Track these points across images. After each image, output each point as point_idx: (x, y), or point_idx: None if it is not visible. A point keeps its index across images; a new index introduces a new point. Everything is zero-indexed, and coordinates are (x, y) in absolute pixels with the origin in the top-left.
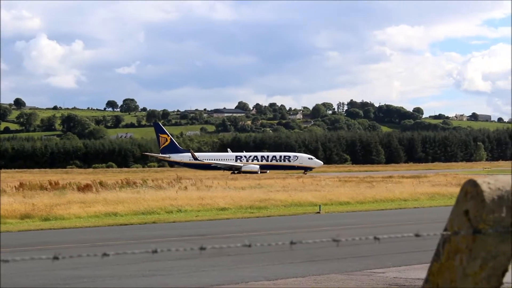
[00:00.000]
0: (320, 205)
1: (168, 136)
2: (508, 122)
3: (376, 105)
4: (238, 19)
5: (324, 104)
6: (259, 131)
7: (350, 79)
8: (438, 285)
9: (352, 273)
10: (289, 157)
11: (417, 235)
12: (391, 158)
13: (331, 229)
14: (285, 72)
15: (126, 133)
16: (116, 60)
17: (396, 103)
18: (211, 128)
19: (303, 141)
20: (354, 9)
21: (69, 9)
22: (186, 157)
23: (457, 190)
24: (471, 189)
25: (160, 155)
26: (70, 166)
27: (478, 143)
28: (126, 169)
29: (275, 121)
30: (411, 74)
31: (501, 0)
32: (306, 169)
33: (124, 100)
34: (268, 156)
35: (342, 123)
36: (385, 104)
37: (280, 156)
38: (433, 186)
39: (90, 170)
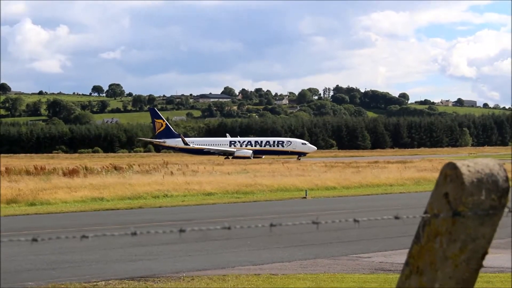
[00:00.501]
0: (306, 190)
1: (164, 121)
2: (493, 108)
3: (362, 90)
4: (223, 5)
5: (310, 90)
6: (245, 117)
7: (335, 64)
8: (418, 267)
9: (338, 258)
10: (283, 142)
11: (396, 218)
12: (377, 144)
13: (317, 214)
14: (271, 57)
15: (112, 118)
16: (101, 45)
17: (381, 89)
18: (197, 113)
19: (289, 126)
20: None
21: None
22: (181, 142)
23: None
24: (450, 172)
25: (156, 140)
26: (56, 151)
27: (463, 128)
28: (112, 154)
29: (261, 107)
30: (397, 59)
31: None
32: (300, 154)
33: (110, 85)
34: (262, 141)
35: (328, 108)
36: (371, 90)
37: (274, 141)
38: (419, 172)
39: (76, 155)
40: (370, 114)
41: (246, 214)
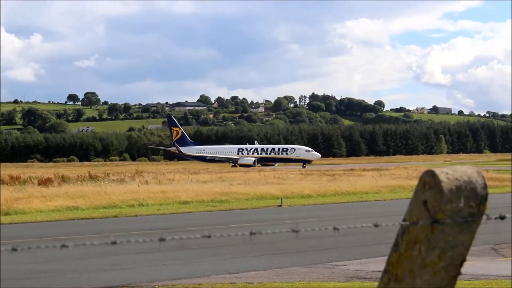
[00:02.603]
0: (282, 198)
1: (180, 129)
2: (468, 115)
3: (338, 98)
4: (198, 12)
5: (285, 97)
6: (221, 125)
7: (311, 72)
8: (397, 275)
9: (314, 266)
10: (287, 149)
11: (375, 225)
12: (353, 151)
13: (293, 222)
14: (246, 65)
15: (88, 127)
16: (75, 53)
17: (357, 96)
18: None
19: (265, 134)
20: (314, 2)
21: (28, 2)
22: (194, 150)
23: None
24: (429, 179)
25: (172, 148)
26: (31, 160)
27: (439, 135)
28: (87, 163)
29: (237, 115)
30: (372, 67)
31: None
32: (304, 161)
33: (85, 94)
34: (267, 149)
35: (304, 116)
36: (346, 97)
37: (279, 149)
38: (394, 179)
39: (51, 164)
40: (346, 122)
41: (222, 222)
